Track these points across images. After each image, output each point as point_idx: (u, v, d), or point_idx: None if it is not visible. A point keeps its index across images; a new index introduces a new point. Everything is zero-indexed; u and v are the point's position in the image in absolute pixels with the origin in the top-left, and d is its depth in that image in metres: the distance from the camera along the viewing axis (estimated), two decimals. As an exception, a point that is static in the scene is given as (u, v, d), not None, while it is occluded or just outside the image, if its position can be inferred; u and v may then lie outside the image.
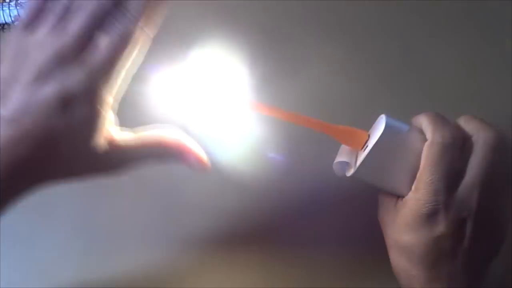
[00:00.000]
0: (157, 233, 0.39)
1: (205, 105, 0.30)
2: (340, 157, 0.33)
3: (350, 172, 0.32)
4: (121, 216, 0.41)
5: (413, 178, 0.31)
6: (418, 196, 0.30)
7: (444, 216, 0.29)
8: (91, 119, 0.25)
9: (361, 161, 0.31)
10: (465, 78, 0.50)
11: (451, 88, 0.49)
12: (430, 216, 0.29)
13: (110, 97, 0.26)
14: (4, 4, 0.54)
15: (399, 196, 0.32)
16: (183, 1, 0.57)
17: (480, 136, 0.30)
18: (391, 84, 0.49)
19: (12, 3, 0.55)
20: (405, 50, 0.52)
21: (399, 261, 0.31)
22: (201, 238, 0.39)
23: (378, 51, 0.52)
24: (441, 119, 0.31)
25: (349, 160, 0.32)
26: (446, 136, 0.30)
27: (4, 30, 0.55)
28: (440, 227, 0.29)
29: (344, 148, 0.33)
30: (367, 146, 0.32)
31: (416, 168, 0.30)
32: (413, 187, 0.30)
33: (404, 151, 0.31)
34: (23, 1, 0.55)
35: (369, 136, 0.32)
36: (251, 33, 0.51)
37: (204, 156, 0.30)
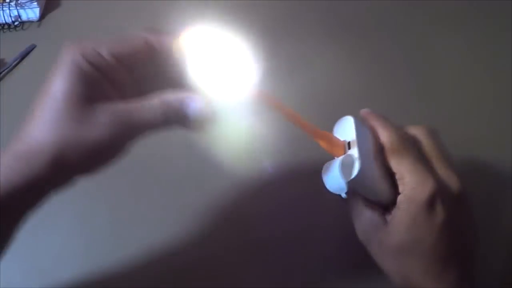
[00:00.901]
0: (157, 233, 0.39)
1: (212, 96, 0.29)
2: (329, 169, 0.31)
3: (354, 173, 0.30)
4: (121, 216, 0.41)
5: (393, 182, 0.31)
6: (410, 185, 0.29)
7: (441, 201, 0.29)
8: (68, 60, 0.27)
9: (358, 157, 0.30)
10: (466, 78, 0.50)
11: (452, 87, 0.49)
12: (430, 205, 0.29)
13: (99, 59, 0.27)
14: (4, 4, 0.54)
15: (386, 205, 0.31)
16: (188, 1, 0.57)
17: (417, 132, 0.32)
18: (391, 83, 0.49)
19: (12, 3, 0.55)
20: (407, 50, 0.52)
21: (409, 265, 0.30)
22: (201, 238, 0.39)
23: (379, 51, 0.52)
24: (387, 122, 0.32)
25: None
26: (399, 134, 0.31)
27: (4, 30, 0.55)
28: (440, 215, 0.29)
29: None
30: (349, 149, 0.31)
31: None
32: (400, 187, 0.30)
33: (374, 149, 0.31)
34: (24, 1, 0.55)
35: (346, 142, 0.31)
36: (253, 32, 0.51)
37: (208, 102, 0.29)
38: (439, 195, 0.29)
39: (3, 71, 0.50)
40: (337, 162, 0.30)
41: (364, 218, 0.32)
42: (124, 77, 0.29)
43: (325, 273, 0.38)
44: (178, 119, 0.28)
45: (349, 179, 0.30)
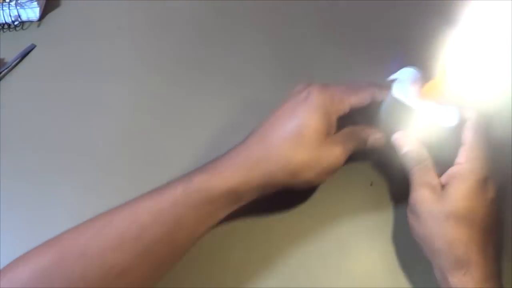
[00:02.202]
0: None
1: None
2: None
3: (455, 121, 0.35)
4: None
5: None
6: (473, 159, 0.34)
7: (491, 181, 0.34)
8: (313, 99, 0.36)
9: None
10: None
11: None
12: (485, 180, 0.34)
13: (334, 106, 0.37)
14: (4, 4, 0.54)
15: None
16: (187, 1, 0.57)
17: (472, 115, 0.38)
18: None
19: (12, 3, 0.55)
20: (407, 49, 0.52)
21: (457, 232, 0.33)
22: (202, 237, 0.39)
23: (379, 51, 0.52)
24: None
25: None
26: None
27: (4, 30, 0.55)
28: (491, 192, 0.34)
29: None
30: None
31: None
32: (462, 157, 0.34)
33: None
34: (23, 1, 0.55)
35: None
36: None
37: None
38: (490, 178, 0.34)
39: (3, 71, 0.50)
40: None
41: (415, 192, 0.36)
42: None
43: (330, 271, 0.38)
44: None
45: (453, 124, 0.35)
